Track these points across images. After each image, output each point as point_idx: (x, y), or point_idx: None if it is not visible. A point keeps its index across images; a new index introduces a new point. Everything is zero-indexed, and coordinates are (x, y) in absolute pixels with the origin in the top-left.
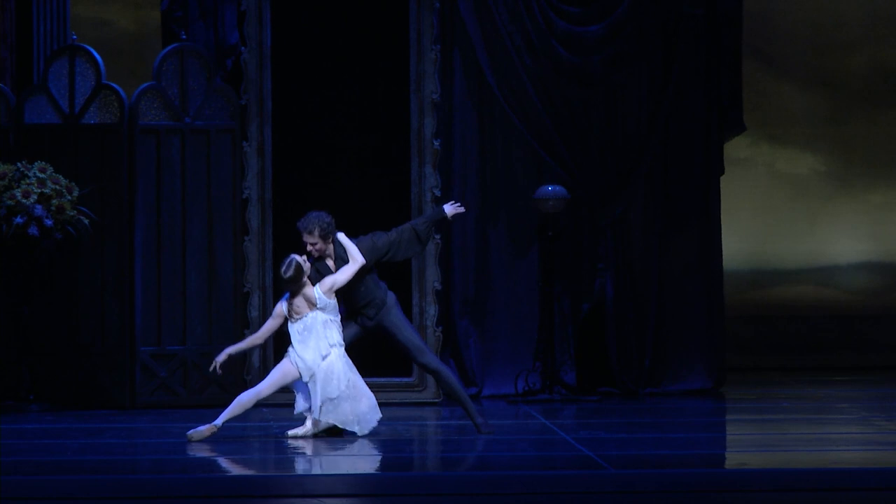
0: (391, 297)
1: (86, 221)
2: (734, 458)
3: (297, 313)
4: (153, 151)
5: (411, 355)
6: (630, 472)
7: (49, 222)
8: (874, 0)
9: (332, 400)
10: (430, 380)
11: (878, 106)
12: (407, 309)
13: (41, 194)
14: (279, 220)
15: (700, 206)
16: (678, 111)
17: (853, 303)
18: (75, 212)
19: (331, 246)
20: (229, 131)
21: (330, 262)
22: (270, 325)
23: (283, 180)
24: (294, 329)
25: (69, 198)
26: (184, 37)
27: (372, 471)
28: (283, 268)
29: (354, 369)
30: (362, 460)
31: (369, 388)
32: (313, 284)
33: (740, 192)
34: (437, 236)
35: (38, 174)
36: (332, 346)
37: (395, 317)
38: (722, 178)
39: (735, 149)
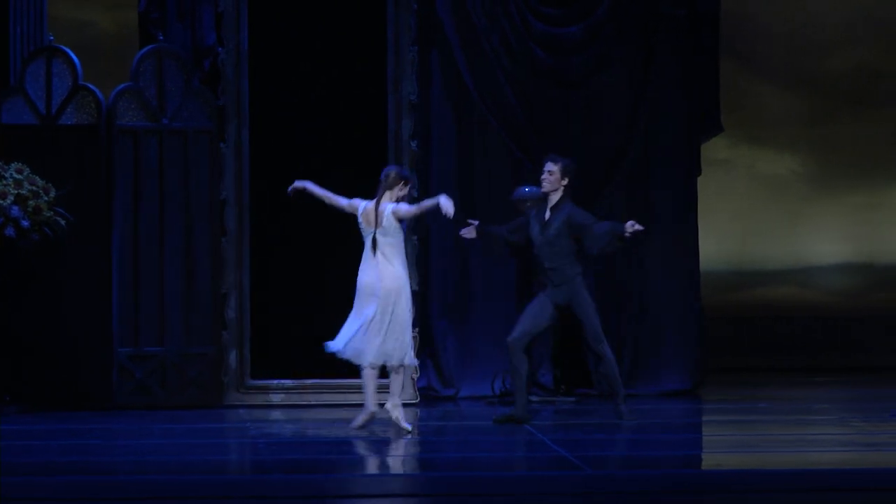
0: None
1: (62, 223)
2: (711, 459)
3: (369, 224)
4: (131, 152)
5: (587, 337)
6: (607, 473)
7: (26, 223)
8: (853, 2)
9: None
10: (407, 381)
11: (857, 107)
12: None
13: (18, 195)
14: (256, 222)
15: (679, 207)
16: (657, 112)
17: (833, 304)
18: (52, 213)
19: (560, 192)
20: (207, 132)
21: (547, 212)
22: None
23: (260, 182)
24: None
25: (46, 199)
26: (161, 38)
27: (349, 472)
28: (383, 174)
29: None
30: (337, 461)
31: (346, 389)
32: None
33: (720, 193)
34: (415, 237)
35: (16, 175)
36: None
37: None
38: (702, 180)
39: (714, 150)
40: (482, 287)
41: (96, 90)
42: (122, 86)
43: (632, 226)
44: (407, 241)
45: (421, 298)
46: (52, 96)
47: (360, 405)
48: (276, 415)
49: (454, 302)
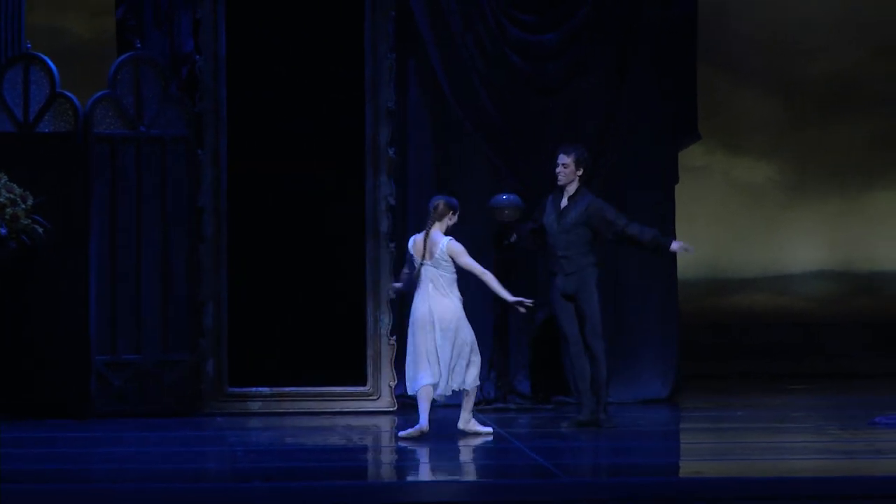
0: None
1: (40, 230)
2: (689, 467)
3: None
4: (108, 160)
5: (585, 330)
6: (584, 480)
7: (3, 231)
8: (831, 8)
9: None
10: (385, 388)
11: (835, 114)
12: (360, 318)
13: None
14: (234, 229)
15: (656, 214)
16: (634, 120)
17: (809, 310)
18: (29, 220)
19: (576, 182)
20: (184, 140)
21: (565, 200)
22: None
23: (238, 189)
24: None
25: (23, 206)
26: (139, 45)
27: (327, 480)
28: (431, 204)
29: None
30: (315, 469)
31: (324, 396)
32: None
33: (697, 200)
34: (392, 244)
35: None
36: None
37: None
38: (679, 187)
39: (691, 157)
40: None
41: (74, 98)
42: (100, 93)
43: (682, 248)
44: (385, 248)
45: (398, 306)
46: (29, 104)
47: (339, 413)
48: (255, 423)
49: None
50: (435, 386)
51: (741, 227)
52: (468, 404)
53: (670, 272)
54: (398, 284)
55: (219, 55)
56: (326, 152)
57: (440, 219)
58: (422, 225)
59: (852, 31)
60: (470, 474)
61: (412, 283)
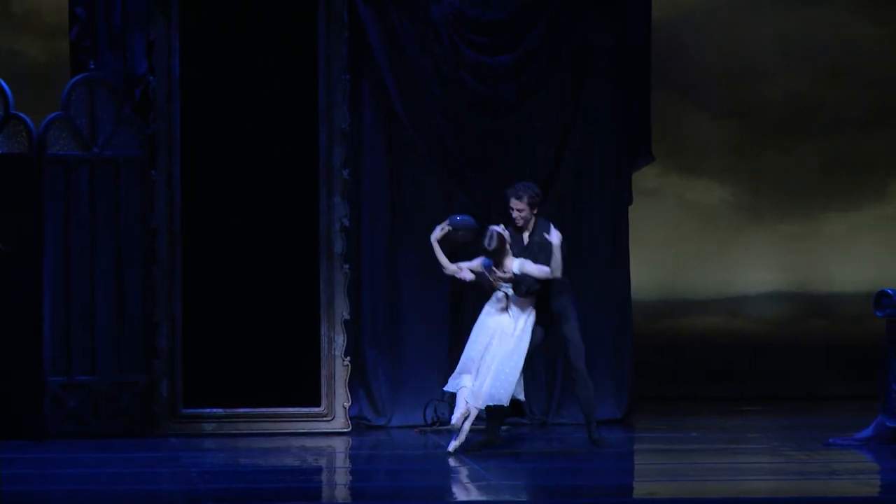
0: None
1: None
2: (643, 488)
3: (495, 282)
4: (62, 181)
5: (570, 354)
6: (539, 501)
7: None
8: (786, 31)
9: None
10: (340, 409)
11: (788, 136)
12: (314, 339)
13: None
14: (188, 251)
15: (609, 235)
16: (587, 141)
17: (763, 333)
18: None
19: (533, 220)
20: (138, 161)
21: (525, 236)
22: (462, 263)
23: (192, 210)
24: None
25: None
26: (93, 66)
27: (281, 501)
28: (486, 241)
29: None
30: (270, 490)
31: (278, 417)
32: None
33: (650, 222)
34: (346, 265)
35: None
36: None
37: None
38: (632, 209)
39: (645, 179)
40: (413, 315)
41: (27, 119)
42: (53, 115)
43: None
44: (339, 269)
45: (353, 326)
46: None
47: (293, 434)
48: (209, 444)
49: (384, 330)
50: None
51: (695, 249)
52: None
53: (624, 293)
54: (470, 273)
55: (172, 76)
56: (280, 173)
57: (505, 252)
58: (378, 246)
59: (804, 55)
60: (424, 496)
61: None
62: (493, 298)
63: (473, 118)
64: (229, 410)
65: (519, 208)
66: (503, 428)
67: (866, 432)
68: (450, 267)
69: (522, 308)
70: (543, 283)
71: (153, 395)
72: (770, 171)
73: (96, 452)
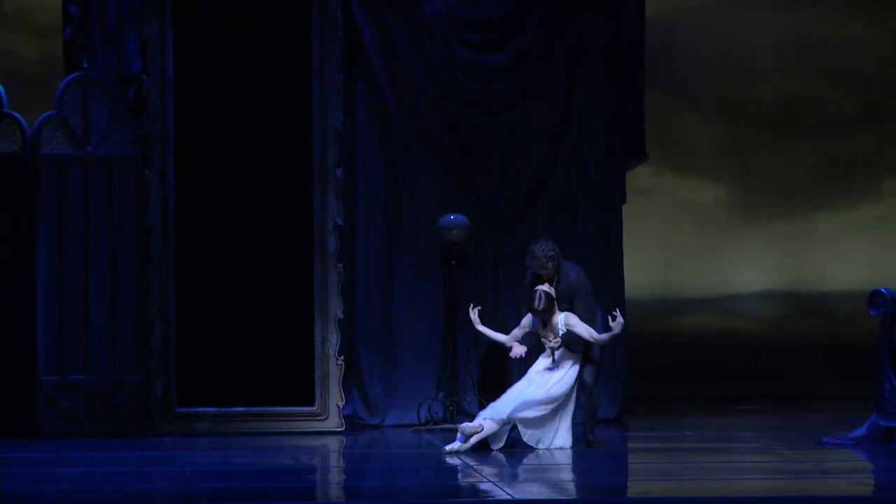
0: None
1: None
2: (637, 487)
3: (545, 338)
4: (55, 180)
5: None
6: (533, 500)
7: None
8: (779, 30)
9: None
10: (333, 409)
11: (782, 135)
12: (308, 338)
13: None
14: (182, 250)
15: (604, 235)
16: (581, 140)
17: (756, 332)
18: None
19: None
20: (132, 160)
21: (547, 286)
22: (515, 332)
23: (185, 209)
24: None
25: None
26: (86, 65)
27: (275, 501)
28: (536, 302)
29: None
30: (263, 490)
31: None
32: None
33: (644, 221)
34: (340, 265)
35: None
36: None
37: None
38: (626, 208)
39: (639, 178)
40: (406, 314)
41: (21, 118)
42: (47, 114)
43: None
44: (333, 268)
45: (347, 326)
46: None
47: (287, 433)
48: (203, 443)
49: (378, 329)
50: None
51: (689, 248)
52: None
53: (618, 293)
54: (521, 348)
55: (166, 75)
56: (274, 173)
57: (553, 311)
58: (372, 245)
59: (796, 54)
60: (418, 495)
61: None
62: (543, 355)
63: (467, 117)
64: (223, 410)
65: (546, 271)
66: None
67: (860, 431)
68: (507, 342)
69: (569, 358)
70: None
71: (147, 394)
72: (764, 170)
73: (90, 452)
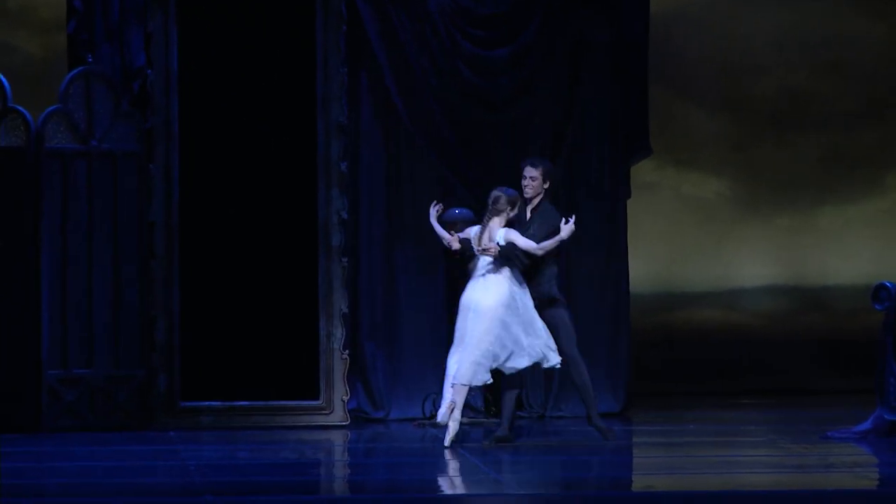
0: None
1: None
2: (641, 481)
3: (480, 248)
4: (59, 175)
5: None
6: (537, 494)
7: None
8: (781, 26)
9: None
10: (338, 403)
11: (784, 130)
12: (313, 332)
13: None
14: (186, 244)
15: (607, 230)
16: (585, 135)
17: (759, 326)
18: None
19: (542, 196)
20: (136, 155)
21: (528, 210)
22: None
23: (189, 204)
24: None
25: None
26: (90, 60)
27: (279, 495)
28: (490, 200)
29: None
30: (268, 484)
31: (276, 411)
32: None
33: (647, 215)
34: (345, 259)
35: None
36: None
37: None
38: (629, 202)
39: (641, 173)
40: (410, 308)
41: (25, 112)
42: (51, 108)
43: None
44: (337, 262)
45: (351, 320)
46: None
47: (291, 427)
48: (207, 437)
49: (382, 323)
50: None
51: (691, 243)
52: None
53: (622, 287)
54: (457, 243)
55: (170, 70)
56: (278, 167)
57: (499, 213)
58: (376, 239)
59: (801, 49)
60: (422, 489)
61: (469, 263)
62: (475, 273)
63: (470, 112)
64: (227, 404)
65: (532, 175)
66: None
67: (865, 425)
68: (446, 237)
69: (500, 284)
70: (530, 265)
71: (151, 388)
72: (766, 165)
73: (93, 446)
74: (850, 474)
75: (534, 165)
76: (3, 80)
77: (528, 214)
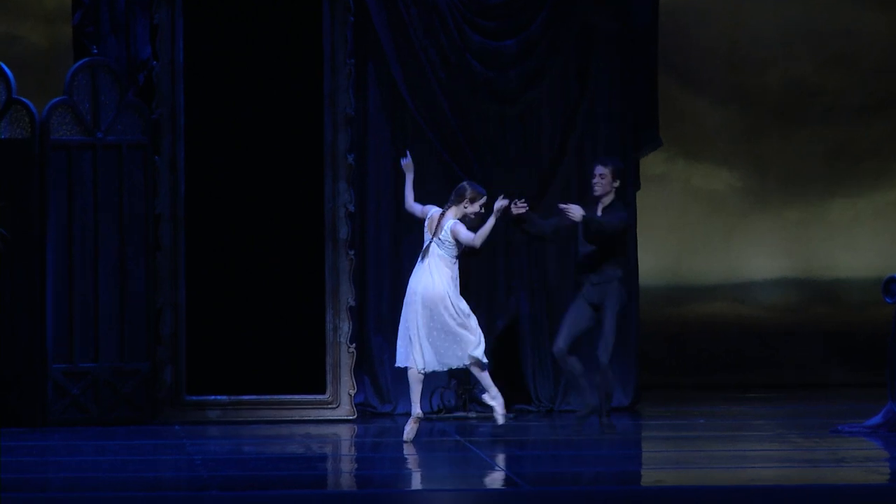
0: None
1: None
2: (650, 476)
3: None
4: (65, 167)
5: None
6: (545, 489)
7: None
8: (789, 17)
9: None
10: (345, 397)
11: (793, 122)
12: (319, 326)
13: None
14: (192, 237)
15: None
16: (594, 127)
17: (768, 319)
18: None
19: (612, 194)
20: (141, 147)
21: (599, 208)
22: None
23: (195, 196)
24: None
25: None
26: (96, 51)
27: (285, 489)
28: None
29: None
30: (274, 478)
31: (283, 405)
32: None
33: (656, 207)
34: (352, 252)
35: None
36: None
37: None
38: (637, 194)
39: (650, 165)
40: None
41: (30, 104)
42: (56, 99)
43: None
44: (344, 255)
45: (358, 313)
46: None
47: (298, 421)
48: (213, 431)
49: (390, 317)
50: (421, 369)
51: (701, 235)
52: (484, 381)
53: (631, 280)
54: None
55: (176, 61)
56: (285, 159)
57: (457, 203)
58: (383, 232)
59: (807, 42)
60: (430, 483)
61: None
62: (422, 260)
63: (479, 104)
64: (233, 398)
65: (601, 174)
66: (509, 416)
67: (876, 419)
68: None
69: (440, 266)
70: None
71: (156, 382)
72: (775, 158)
73: (98, 440)
74: (860, 469)
75: (603, 164)
76: (8, 71)
77: (599, 212)
